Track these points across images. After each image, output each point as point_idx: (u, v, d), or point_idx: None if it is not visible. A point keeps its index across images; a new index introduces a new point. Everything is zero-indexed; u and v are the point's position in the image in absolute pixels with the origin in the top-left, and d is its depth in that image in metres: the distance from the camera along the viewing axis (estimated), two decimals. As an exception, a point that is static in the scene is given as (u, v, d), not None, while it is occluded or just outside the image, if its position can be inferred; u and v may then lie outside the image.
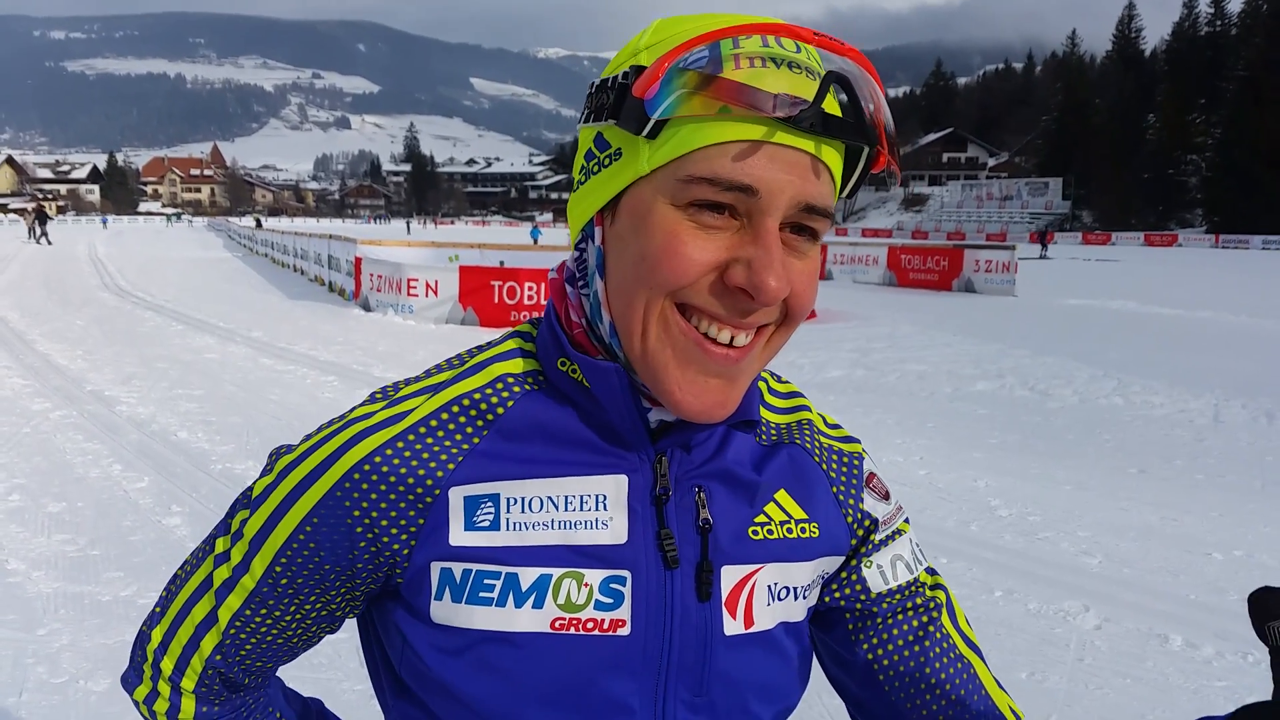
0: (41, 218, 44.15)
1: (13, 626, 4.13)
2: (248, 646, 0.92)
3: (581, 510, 0.85)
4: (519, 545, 0.84)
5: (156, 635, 0.95)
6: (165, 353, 11.87)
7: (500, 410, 0.87)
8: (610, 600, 0.84)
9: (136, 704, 0.98)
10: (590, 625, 0.84)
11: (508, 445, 0.86)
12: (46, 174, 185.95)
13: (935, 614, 0.99)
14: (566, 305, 0.89)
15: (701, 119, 0.75)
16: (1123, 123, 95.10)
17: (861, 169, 0.82)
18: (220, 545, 0.92)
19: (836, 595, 0.98)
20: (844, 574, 0.99)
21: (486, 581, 0.83)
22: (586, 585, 0.84)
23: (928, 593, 1.00)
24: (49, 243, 41.47)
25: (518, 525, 0.84)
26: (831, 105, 0.76)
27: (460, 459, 0.85)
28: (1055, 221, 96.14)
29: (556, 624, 0.83)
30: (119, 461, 6.73)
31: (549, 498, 0.85)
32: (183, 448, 7.14)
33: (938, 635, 0.97)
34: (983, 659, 1.00)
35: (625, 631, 0.85)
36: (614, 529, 0.85)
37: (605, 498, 0.86)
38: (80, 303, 18.02)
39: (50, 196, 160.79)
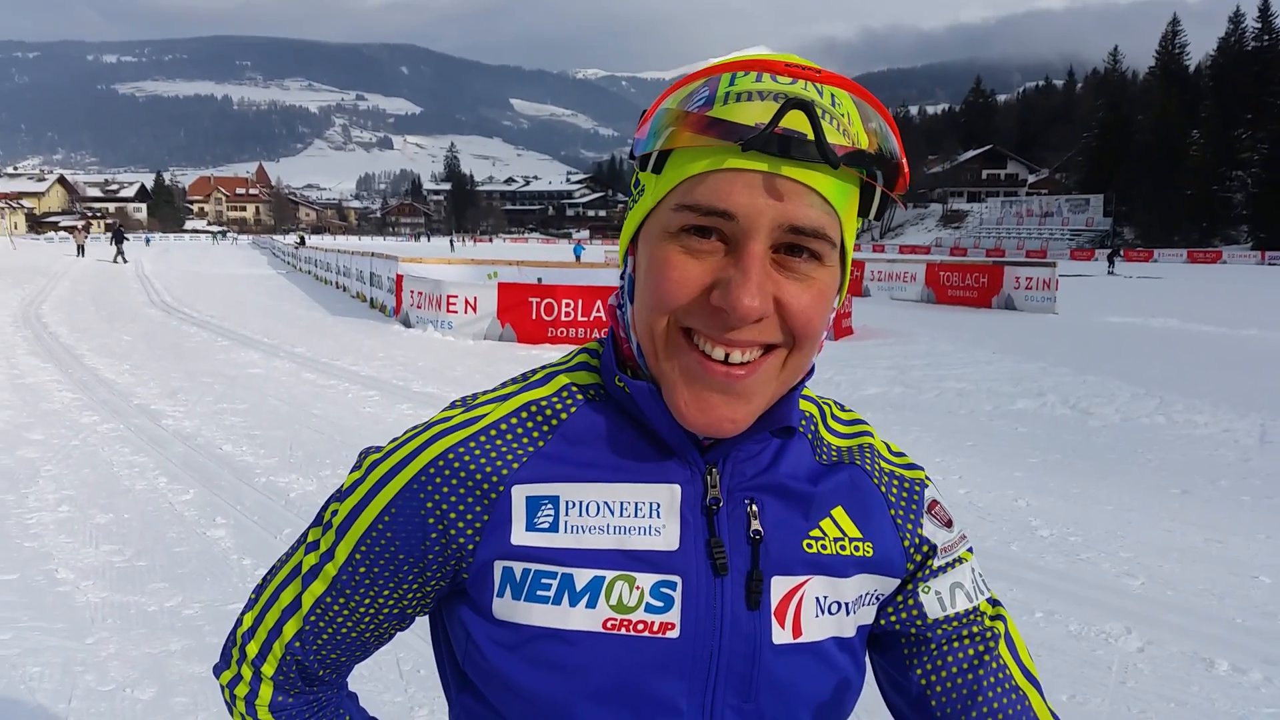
0: (119, 236, 44.92)
1: (62, 635, 4.21)
2: (325, 635, 0.97)
3: (636, 517, 0.90)
4: (575, 547, 0.89)
5: (247, 620, 1.02)
6: (210, 368, 12.07)
7: (564, 415, 0.94)
8: (661, 604, 0.88)
9: (222, 689, 1.04)
10: (641, 627, 0.88)
11: (569, 449, 0.92)
12: (96, 193, 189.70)
13: (993, 643, 0.99)
14: (617, 327, 0.96)
15: (689, 154, 0.82)
16: (1166, 139, 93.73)
17: (880, 191, 0.86)
18: (312, 535, 0.99)
19: (893, 619, 1.00)
20: (900, 598, 1.00)
21: (544, 580, 0.89)
22: (638, 588, 0.88)
23: (986, 622, 1.00)
24: (125, 260, 41.82)
25: (575, 528, 0.89)
26: (806, 128, 0.79)
27: (525, 459, 0.91)
28: (1099, 238, 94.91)
29: (608, 624, 0.88)
30: (165, 474, 6.85)
31: (605, 503, 0.90)
32: (227, 461, 7.25)
33: (994, 665, 0.97)
34: (1040, 692, 1.00)
35: (674, 634, 0.88)
36: (666, 536, 0.90)
37: (659, 505, 0.90)
38: (128, 318, 18.37)
39: (99, 215, 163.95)
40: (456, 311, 16.36)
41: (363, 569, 0.94)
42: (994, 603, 1.03)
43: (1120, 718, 3.68)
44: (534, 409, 0.95)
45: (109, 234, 47.86)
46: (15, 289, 25.56)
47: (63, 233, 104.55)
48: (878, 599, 0.99)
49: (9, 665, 3.91)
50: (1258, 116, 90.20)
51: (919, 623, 0.99)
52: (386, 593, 0.95)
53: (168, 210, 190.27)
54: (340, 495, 0.97)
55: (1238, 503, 6.68)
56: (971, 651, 0.98)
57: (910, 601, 1.00)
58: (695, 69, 0.89)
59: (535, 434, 0.93)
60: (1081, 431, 9.03)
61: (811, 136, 0.79)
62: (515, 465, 0.91)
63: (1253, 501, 6.71)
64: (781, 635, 0.91)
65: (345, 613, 0.96)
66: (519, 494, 0.90)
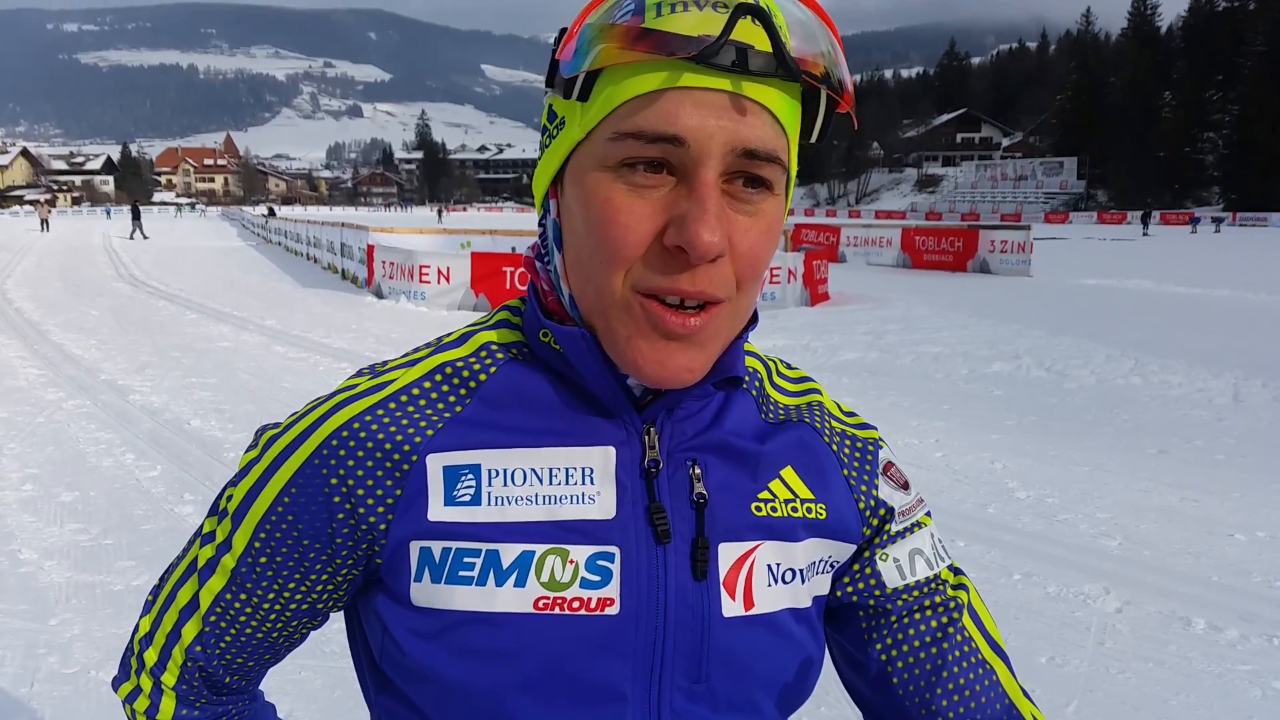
0: (136, 212, 43.26)
1: (25, 616, 4.12)
2: (228, 637, 0.88)
3: (567, 484, 0.81)
4: (501, 521, 0.80)
5: (144, 625, 0.92)
6: (179, 342, 11.89)
7: (482, 377, 0.85)
8: (597, 578, 0.80)
9: (122, 704, 0.94)
10: (576, 604, 0.79)
11: (490, 413, 0.83)
12: (61, 165, 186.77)
13: (956, 614, 0.91)
14: (538, 279, 0.87)
15: (621, 73, 0.72)
16: (1138, 101, 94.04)
17: (825, 111, 0.77)
18: (208, 525, 0.89)
19: (849, 589, 0.92)
20: (856, 566, 0.92)
21: (466, 560, 0.79)
22: (572, 562, 0.80)
23: (949, 591, 0.93)
24: (144, 236, 40.42)
25: (500, 500, 0.80)
26: (757, 39, 0.70)
27: (440, 425, 0.82)
28: (1073, 200, 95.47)
29: (540, 603, 0.79)
30: (132, 450, 6.73)
31: (532, 469, 0.81)
32: (196, 436, 7.13)
33: (958, 638, 0.90)
34: (1008, 664, 0.92)
35: (614, 610, 0.80)
36: (601, 503, 0.81)
37: (592, 471, 0.82)
38: (95, 293, 18.08)
39: (65, 188, 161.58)
40: (430, 282, 16.18)
41: (264, 559, 0.84)
42: (955, 570, 0.95)
43: (1099, 679, 3.68)
44: (449, 370, 0.85)
45: (98, 210, 46.24)
46: (-22, 264, 25.12)
47: (28, 207, 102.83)
48: (832, 567, 0.91)
49: (-31, 649, 3.81)
50: (1229, 77, 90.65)
51: (877, 593, 0.91)
52: (293, 585, 0.85)
53: (136, 182, 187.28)
54: (235, 479, 0.87)
55: (1212, 462, 6.72)
56: (934, 624, 0.90)
57: (868, 570, 0.92)
58: None
59: (451, 398, 0.83)
60: (1057, 393, 9.05)
61: (766, 47, 0.70)
62: (429, 432, 0.81)
63: (1227, 460, 6.75)
64: (732, 607, 0.83)
65: (249, 610, 0.86)
66: (435, 464, 0.81)
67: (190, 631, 0.88)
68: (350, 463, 0.81)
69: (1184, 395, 8.82)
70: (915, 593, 0.91)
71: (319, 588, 0.85)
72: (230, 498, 0.87)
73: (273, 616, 0.87)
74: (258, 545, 0.84)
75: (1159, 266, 25.26)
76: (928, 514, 0.97)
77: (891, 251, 27.43)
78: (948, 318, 14.25)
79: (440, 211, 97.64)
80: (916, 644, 0.90)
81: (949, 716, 0.88)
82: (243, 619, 0.87)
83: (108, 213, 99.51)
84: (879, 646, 0.91)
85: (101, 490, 5.83)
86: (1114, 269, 24.51)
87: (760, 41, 0.70)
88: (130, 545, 4.95)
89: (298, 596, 0.86)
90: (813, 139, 0.79)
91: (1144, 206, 75.07)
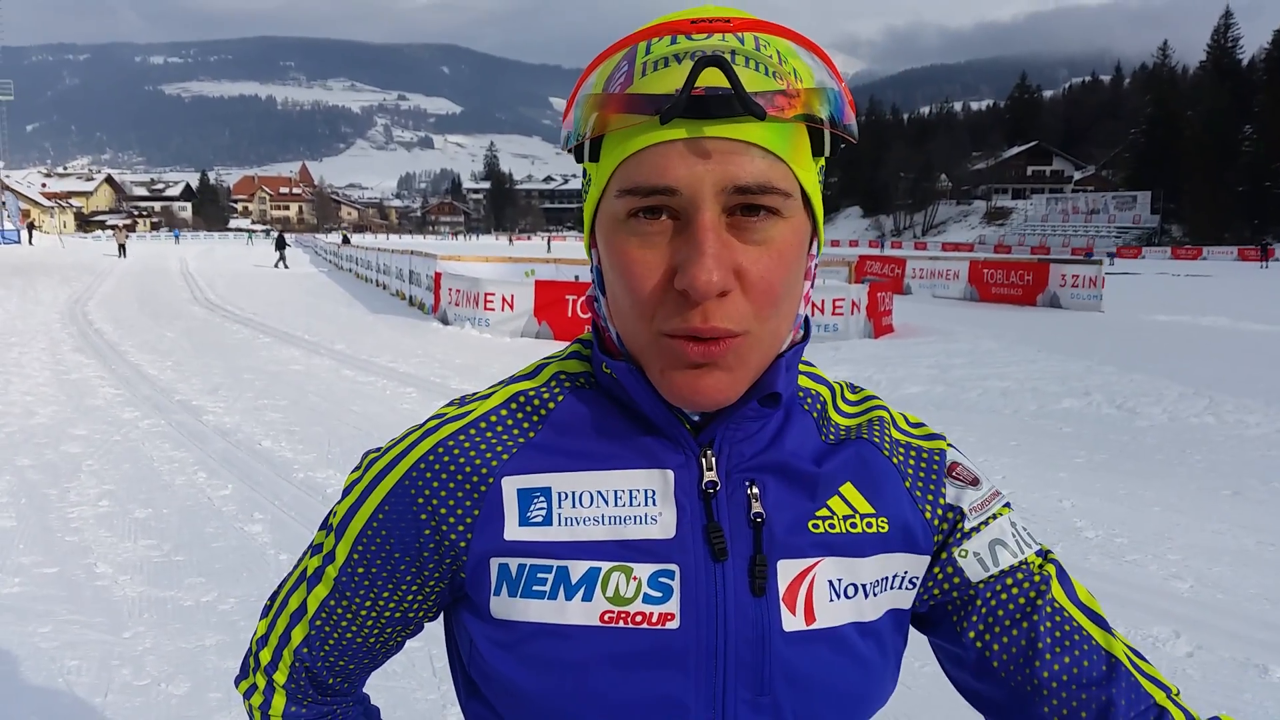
0: (281, 242, 42.45)
1: (100, 629, 4.25)
2: (330, 641, 0.96)
3: (630, 505, 0.86)
4: (570, 540, 0.85)
5: (261, 627, 1.01)
6: (251, 364, 12.20)
7: (551, 405, 0.91)
8: (659, 594, 0.84)
9: (242, 699, 1.03)
10: (639, 619, 0.84)
11: (560, 439, 0.89)
12: (142, 192, 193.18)
13: (1044, 587, 0.91)
14: (596, 317, 0.93)
15: (619, 134, 0.79)
16: (1216, 134, 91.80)
17: (830, 131, 0.81)
18: (318, 538, 0.98)
19: (935, 592, 0.93)
20: (937, 570, 0.93)
21: (539, 575, 0.85)
22: (635, 579, 0.84)
23: (1035, 570, 0.93)
24: (285, 267, 39.24)
25: (569, 520, 0.86)
26: (722, 84, 0.75)
27: (514, 450, 0.89)
28: (1146, 235, 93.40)
29: (605, 617, 0.84)
30: (204, 469, 6.91)
31: (599, 492, 0.86)
32: (266, 456, 7.30)
33: (1048, 609, 0.90)
34: (1105, 626, 0.91)
35: (674, 625, 0.84)
36: (662, 524, 0.86)
37: (654, 493, 0.86)
38: (171, 316, 18.64)
39: (145, 214, 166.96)
40: (494, 309, 16.41)
41: (360, 569, 0.92)
42: (1043, 554, 0.95)
43: (1169, 726, 3.57)
44: (522, 399, 0.92)
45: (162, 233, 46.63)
46: (63, 286, 26.07)
47: (109, 231, 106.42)
48: (913, 582, 0.92)
49: (48, 658, 3.94)
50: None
51: (962, 588, 0.92)
52: (386, 594, 0.93)
53: (212, 209, 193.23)
54: (341, 496, 0.96)
55: (1291, 505, 6.49)
56: (1022, 600, 0.90)
57: (950, 569, 0.93)
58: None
59: (525, 424, 0.91)
60: (1128, 431, 8.84)
61: (731, 90, 0.75)
62: (505, 456, 0.88)
63: (1307, 504, 6.51)
64: (793, 622, 0.85)
65: (349, 617, 0.94)
66: (509, 486, 0.87)
67: (298, 635, 0.97)
68: (435, 484, 0.88)
69: (1261, 435, 8.55)
70: (1001, 579, 0.92)
71: (409, 598, 0.93)
72: (335, 514, 0.95)
73: (369, 623, 0.95)
74: (355, 557, 0.92)
75: (1235, 303, 24.54)
76: (1006, 505, 0.97)
77: (958, 284, 27.05)
78: (1016, 352, 14.01)
79: (549, 241, 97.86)
80: (1007, 622, 0.90)
81: (1052, 686, 0.88)
82: (344, 625, 0.95)
83: (175, 236, 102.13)
84: (972, 634, 0.92)
85: (174, 508, 5.99)
86: (1188, 305, 23.87)
87: (723, 84, 0.75)
88: (200, 562, 5.08)
89: (391, 605, 0.93)
90: (824, 155, 0.83)
91: (1221, 242, 73.09)
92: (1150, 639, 4.28)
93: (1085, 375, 11.70)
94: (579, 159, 0.84)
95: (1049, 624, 0.89)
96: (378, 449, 0.96)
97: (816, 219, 0.84)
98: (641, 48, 0.80)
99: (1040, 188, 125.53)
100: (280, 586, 1.01)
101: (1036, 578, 0.92)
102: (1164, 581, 5.01)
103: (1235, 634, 4.36)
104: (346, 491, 0.95)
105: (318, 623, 0.95)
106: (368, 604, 0.93)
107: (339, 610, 0.94)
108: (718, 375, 0.80)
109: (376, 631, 0.95)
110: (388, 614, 0.94)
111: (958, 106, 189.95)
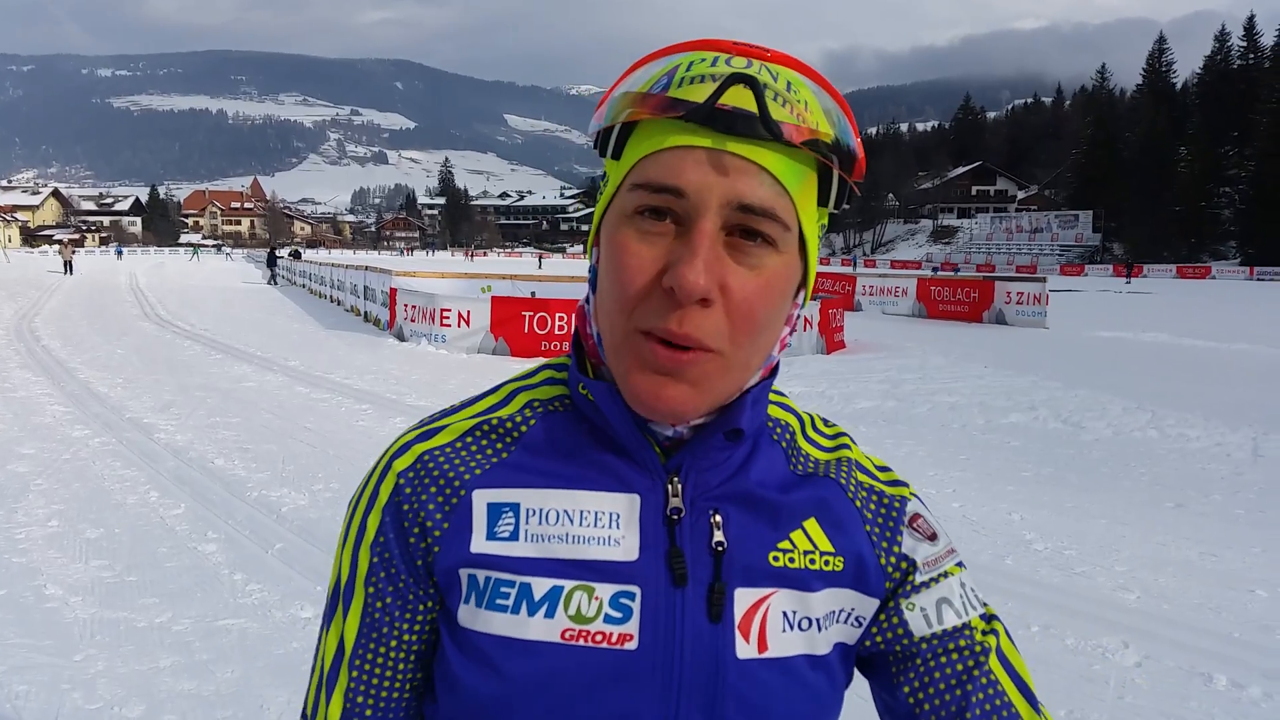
0: (272, 258, 42.00)
1: (49, 652, 4.17)
2: (371, 695, 0.93)
3: (595, 526, 0.88)
4: (535, 556, 0.87)
5: (309, 699, 0.97)
6: (203, 381, 12.03)
7: (524, 429, 0.93)
8: (619, 615, 0.86)
9: None
10: (599, 638, 0.86)
11: (531, 459, 0.91)
12: (91, 206, 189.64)
13: (983, 657, 0.93)
14: (583, 324, 0.95)
15: (643, 133, 0.83)
16: (1154, 156, 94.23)
17: (839, 179, 0.85)
18: (327, 612, 0.96)
19: (878, 639, 0.96)
20: (883, 617, 0.96)
21: (503, 589, 0.87)
22: (597, 599, 0.86)
23: (978, 636, 0.95)
24: (275, 284, 39.10)
25: (535, 537, 0.88)
26: (748, 104, 0.79)
27: (487, 467, 0.91)
28: (1088, 253, 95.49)
29: (566, 634, 0.86)
30: (156, 488, 6.81)
31: (565, 511, 0.88)
32: (219, 475, 7.21)
33: (983, 680, 0.92)
34: (1035, 707, 0.94)
35: (632, 645, 0.86)
36: (626, 546, 0.88)
37: (618, 516, 0.88)
38: (120, 332, 18.31)
39: (94, 229, 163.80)
40: (450, 325, 16.34)
41: (378, 604, 0.91)
42: (987, 618, 0.98)
43: (1118, 733, 3.66)
44: (495, 422, 0.94)
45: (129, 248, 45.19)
46: (9, 302, 25.48)
47: (56, 246, 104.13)
48: (859, 621, 0.95)
49: (-4, 682, 3.86)
50: (1244, 134, 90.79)
51: (904, 641, 0.95)
52: (404, 621, 0.91)
53: (163, 224, 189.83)
54: (339, 546, 0.97)
55: (1231, 516, 6.68)
56: (960, 666, 0.93)
57: (895, 620, 0.95)
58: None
59: (499, 445, 0.93)
60: (1074, 445, 9.04)
61: (755, 110, 0.79)
62: (478, 471, 0.91)
63: (1246, 515, 6.71)
64: (746, 650, 0.88)
65: (380, 660, 0.92)
66: (480, 499, 0.89)
67: (335, 706, 0.93)
68: (416, 494, 0.91)
69: (1202, 449, 8.79)
70: (942, 639, 0.94)
71: (421, 620, 0.92)
72: (341, 569, 0.95)
73: (401, 665, 0.93)
74: (371, 590, 0.92)
75: (1176, 320, 25.18)
76: (958, 564, 0.99)
77: (907, 301, 27.49)
78: (964, 368, 14.25)
79: (540, 259, 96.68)
80: (942, 686, 0.92)
81: None
82: (378, 672, 0.92)
83: (118, 252, 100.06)
84: (906, 690, 0.94)
85: (126, 527, 5.90)
86: (1130, 322, 24.45)
87: (750, 106, 0.79)
88: (154, 582, 5.01)
89: (412, 635, 0.92)
90: (830, 207, 0.87)
91: (1160, 260, 74.74)
92: (1100, 649, 4.38)
93: (1031, 390, 11.94)
94: (602, 153, 0.87)
95: (980, 695, 0.92)
96: (356, 493, 0.97)
97: (809, 269, 0.87)
98: (684, 62, 0.84)
99: (985, 207, 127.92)
100: (315, 656, 0.98)
101: (978, 647, 0.94)
102: (1112, 593, 5.13)
103: (1181, 643, 4.48)
104: (345, 534, 0.96)
105: (354, 674, 0.92)
106: (392, 639, 0.91)
107: (369, 655, 0.92)
108: (682, 388, 0.82)
109: (408, 673, 0.93)
110: (415, 645, 0.92)
111: (904, 127, 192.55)
